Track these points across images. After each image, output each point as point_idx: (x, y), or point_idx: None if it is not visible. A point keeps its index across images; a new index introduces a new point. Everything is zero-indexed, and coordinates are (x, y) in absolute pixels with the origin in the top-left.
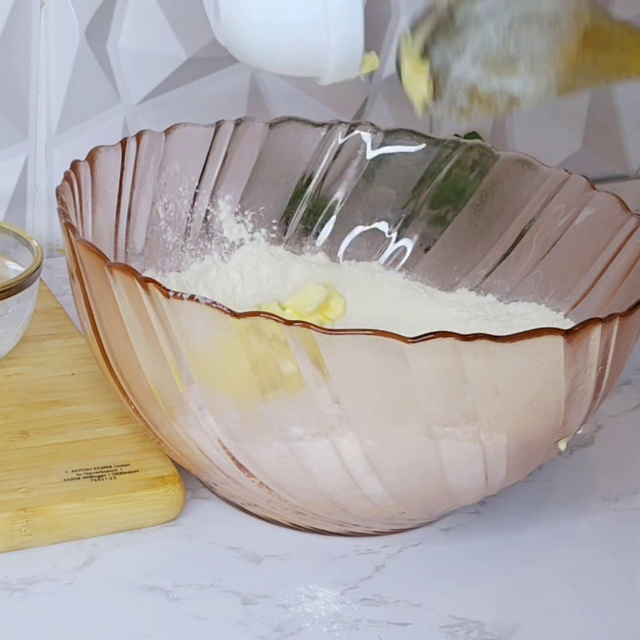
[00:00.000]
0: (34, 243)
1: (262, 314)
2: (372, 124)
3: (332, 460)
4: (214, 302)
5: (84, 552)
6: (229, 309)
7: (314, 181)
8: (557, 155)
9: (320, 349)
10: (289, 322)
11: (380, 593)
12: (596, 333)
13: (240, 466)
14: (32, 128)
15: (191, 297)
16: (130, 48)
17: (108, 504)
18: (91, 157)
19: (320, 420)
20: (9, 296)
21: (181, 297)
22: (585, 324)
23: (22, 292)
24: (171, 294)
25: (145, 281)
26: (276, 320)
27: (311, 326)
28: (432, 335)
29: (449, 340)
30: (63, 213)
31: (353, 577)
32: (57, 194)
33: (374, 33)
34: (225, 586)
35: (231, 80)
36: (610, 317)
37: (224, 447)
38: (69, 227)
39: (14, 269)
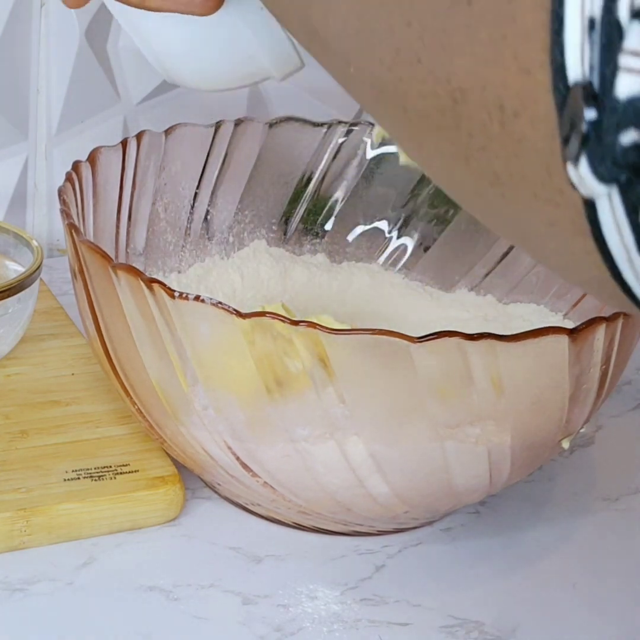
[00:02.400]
0: (34, 243)
1: (267, 314)
2: (371, 124)
3: (337, 460)
4: (220, 302)
5: (84, 552)
6: (234, 309)
7: (313, 181)
8: None
9: (326, 348)
10: (295, 322)
11: (380, 593)
12: (600, 332)
13: (244, 466)
14: (32, 128)
15: (197, 298)
16: (130, 48)
17: (108, 504)
18: (92, 158)
19: (326, 420)
20: (9, 296)
21: (186, 298)
22: (590, 323)
23: (22, 292)
24: (176, 294)
25: (150, 281)
26: (282, 320)
27: (317, 326)
28: (437, 335)
29: (455, 340)
30: (66, 213)
31: (353, 577)
32: (60, 195)
33: None
34: (225, 586)
35: None
36: (614, 316)
37: (229, 448)
38: (72, 227)
39: (14, 269)
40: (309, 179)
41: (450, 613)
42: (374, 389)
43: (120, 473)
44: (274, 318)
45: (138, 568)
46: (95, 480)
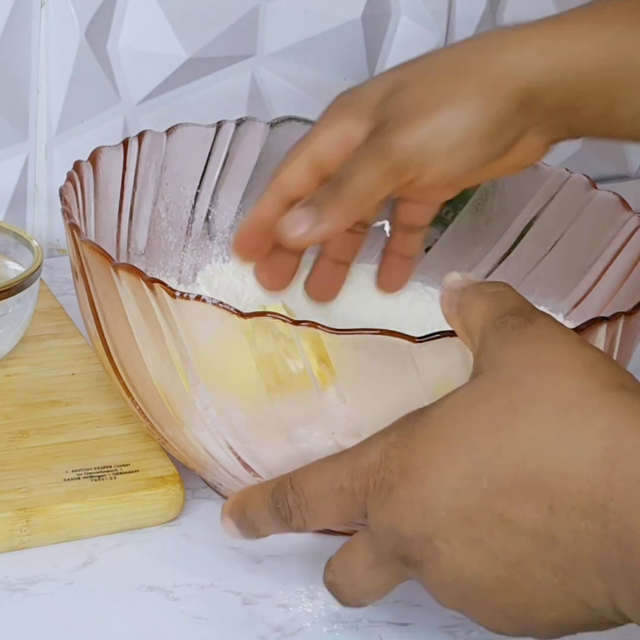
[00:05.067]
0: (34, 243)
1: (268, 314)
2: None
3: None
4: (221, 302)
5: (84, 552)
6: (235, 309)
7: None
8: (557, 155)
9: (327, 348)
10: (296, 322)
11: None
12: (601, 332)
13: (246, 466)
14: (32, 128)
15: (198, 298)
16: (130, 48)
17: (108, 504)
18: (94, 158)
19: (326, 420)
20: (9, 296)
21: (188, 298)
22: (591, 323)
23: (22, 292)
24: (177, 294)
25: (151, 281)
26: (283, 320)
27: (319, 326)
28: (438, 335)
29: (456, 340)
30: (67, 213)
31: None
32: (61, 195)
33: (374, 33)
34: (225, 586)
35: (231, 80)
36: (615, 316)
37: (230, 448)
38: (73, 227)
39: (14, 269)
40: None
41: (450, 613)
42: (375, 389)
43: (121, 473)
44: (275, 318)
45: (138, 568)
46: (95, 480)
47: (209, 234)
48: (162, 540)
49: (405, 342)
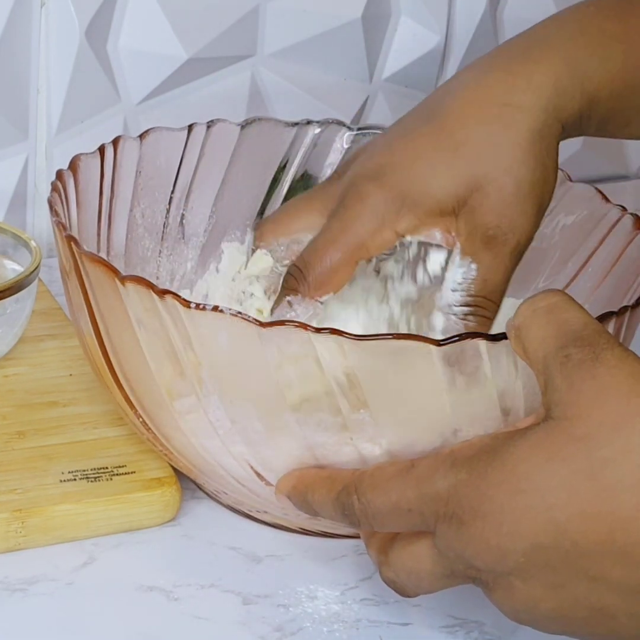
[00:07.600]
0: (33, 243)
1: (288, 323)
2: (342, 122)
3: (356, 466)
4: (240, 312)
5: (84, 552)
6: (255, 319)
7: (288, 181)
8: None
9: (348, 355)
10: (318, 330)
11: (380, 593)
12: (609, 327)
13: (258, 475)
14: (32, 128)
15: (215, 308)
16: (130, 48)
17: (104, 505)
18: (73, 165)
19: (347, 426)
20: (7, 296)
21: (204, 308)
22: (601, 319)
23: (21, 292)
24: (193, 305)
25: (163, 292)
26: (304, 328)
27: (341, 333)
28: (459, 337)
29: (477, 341)
30: (62, 225)
31: (353, 577)
32: (51, 206)
33: (374, 33)
34: (225, 586)
35: (231, 80)
36: (622, 310)
37: (243, 457)
38: (71, 239)
39: (13, 269)
40: (284, 179)
41: (450, 613)
42: (395, 393)
43: (117, 474)
44: (296, 327)
45: (138, 568)
46: (92, 481)
47: (183, 237)
48: (161, 541)
49: (427, 345)
